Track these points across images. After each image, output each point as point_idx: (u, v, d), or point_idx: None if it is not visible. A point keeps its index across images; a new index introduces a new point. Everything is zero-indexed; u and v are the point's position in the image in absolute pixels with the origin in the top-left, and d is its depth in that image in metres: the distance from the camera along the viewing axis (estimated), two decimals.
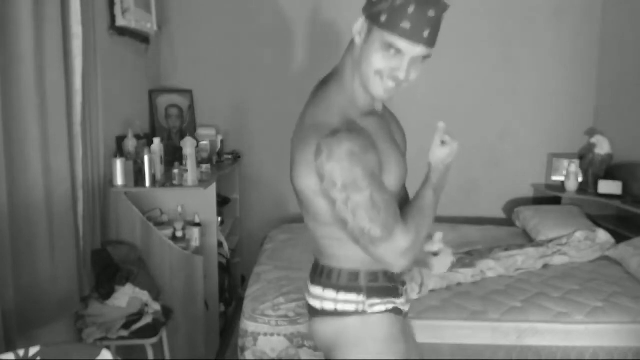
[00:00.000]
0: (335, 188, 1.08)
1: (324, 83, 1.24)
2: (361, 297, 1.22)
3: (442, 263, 1.32)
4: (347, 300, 1.22)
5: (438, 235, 1.32)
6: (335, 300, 1.23)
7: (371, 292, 1.22)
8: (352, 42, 1.18)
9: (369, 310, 1.22)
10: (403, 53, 1.08)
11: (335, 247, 1.23)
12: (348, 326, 1.22)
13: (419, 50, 1.08)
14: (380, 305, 1.23)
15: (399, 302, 1.27)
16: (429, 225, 1.19)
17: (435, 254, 1.33)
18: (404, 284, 1.32)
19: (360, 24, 1.13)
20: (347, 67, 1.20)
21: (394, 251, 1.10)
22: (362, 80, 1.16)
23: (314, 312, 1.28)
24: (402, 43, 1.07)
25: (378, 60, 1.10)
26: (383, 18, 1.06)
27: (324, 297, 1.24)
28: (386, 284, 1.24)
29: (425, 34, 1.06)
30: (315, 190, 1.14)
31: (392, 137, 1.25)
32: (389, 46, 1.08)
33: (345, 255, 1.22)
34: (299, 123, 1.21)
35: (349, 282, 1.22)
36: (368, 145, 1.10)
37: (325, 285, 1.24)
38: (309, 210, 1.22)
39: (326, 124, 1.12)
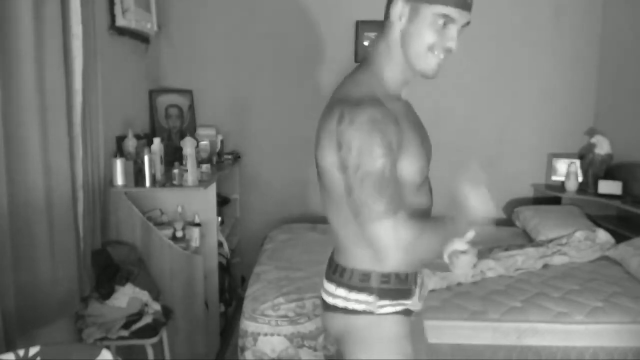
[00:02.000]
0: (351, 154, 1.08)
1: (351, 73, 1.26)
2: (372, 298, 1.22)
3: (465, 263, 1.27)
4: (357, 300, 1.23)
5: (470, 234, 1.27)
6: (346, 299, 1.24)
7: (382, 294, 1.23)
8: (383, 29, 1.21)
9: (378, 311, 1.23)
10: (454, 22, 1.14)
11: (350, 245, 1.24)
12: (356, 325, 1.24)
13: (465, 16, 1.15)
14: (389, 307, 1.23)
15: (410, 303, 1.28)
16: (428, 246, 1.15)
17: (461, 253, 1.28)
18: (416, 283, 1.31)
19: (399, 7, 1.16)
20: (379, 54, 1.23)
21: (389, 234, 1.08)
22: (411, 60, 1.19)
23: (326, 306, 1.30)
24: (454, 12, 1.12)
25: (430, 35, 1.14)
26: None
27: (336, 295, 1.26)
28: (398, 286, 1.24)
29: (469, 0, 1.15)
30: (334, 161, 1.15)
31: (418, 126, 1.26)
32: (441, 18, 1.13)
33: (360, 255, 1.23)
34: (327, 103, 1.23)
35: (360, 283, 1.23)
36: (391, 118, 1.11)
37: (338, 284, 1.25)
38: (327, 188, 1.22)
39: (352, 96, 1.15)
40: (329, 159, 1.16)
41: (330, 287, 1.28)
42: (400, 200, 1.10)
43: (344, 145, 1.09)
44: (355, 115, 1.08)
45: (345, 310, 1.24)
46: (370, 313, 1.23)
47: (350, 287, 1.23)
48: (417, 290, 1.32)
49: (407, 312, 1.27)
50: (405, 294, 1.26)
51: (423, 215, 1.27)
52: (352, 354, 1.26)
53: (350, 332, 1.25)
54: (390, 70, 1.22)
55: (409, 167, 1.16)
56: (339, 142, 1.11)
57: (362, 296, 1.22)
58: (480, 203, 1.17)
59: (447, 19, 1.13)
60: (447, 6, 1.12)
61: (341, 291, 1.25)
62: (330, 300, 1.28)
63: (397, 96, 1.24)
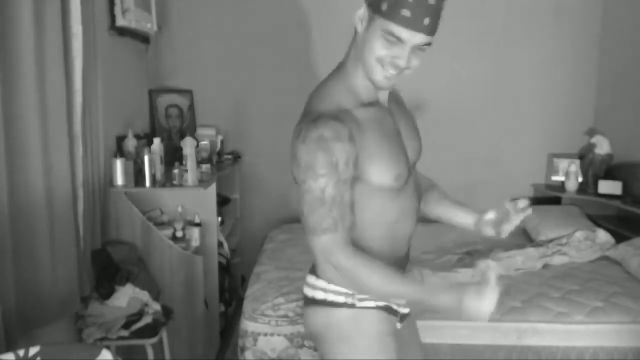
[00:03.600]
0: (300, 169, 1.12)
1: (324, 80, 1.26)
2: (351, 290, 1.22)
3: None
4: (337, 292, 1.23)
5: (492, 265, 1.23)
6: (325, 290, 1.24)
7: None
8: (355, 32, 1.19)
9: (358, 304, 1.22)
10: (404, 41, 1.08)
11: None
12: (338, 319, 1.23)
13: (419, 38, 1.08)
14: (369, 300, 1.23)
15: (394, 302, 1.27)
16: (390, 288, 1.13)
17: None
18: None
19: (362, 12, 1.14)
20: (350, 58, 1.22)
21: (320, 249, 1.12)
22: (364, 68, 1.16)
23: (306, 301, 1.30)
24: (402, 31, 1.07)
25: (379, 47, 1.11)
26: (384, 6, 1.07)
27: (315, 286, 1.26)
28: None
29: (426, 21, 1.06)
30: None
31: (394, 131, 1.24)
32: (389, 34, 1.08)
33: None
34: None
35: None
36: (344, 135, 1.10)
37: (318, 275, 1.23)
38: None
39: (315, 110, 1.15)
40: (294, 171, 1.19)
41: (311, 279, 1.28)
42: (336, 219, 1.10)
43: (295, 160, 1.12)
44: (308, 132, 1.10)
45: (325, 303, 1.24)
46: (352, 306, 1.22)
47: (330, 279, 1.22)
48: None
49: (390, 310, 1.27)
50: None
51: (405, 220, 1.25)
52: (332, 352, 1.24)
53: (331, 328, 1.24)
54: (360, 76, 1.19)
55: (381, 174, 1.15)
56: (293, 156, 1.14)
57: (341, 288, 1.22)
58: (484, 305, 1.12)
59: (397, 38, 1.08)
60: (394, 23, 1.06)
61: (321, 282, 1.24)
62: (309, 292, 1.28)
63: (371, 102, 1.21)
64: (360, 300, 1.22)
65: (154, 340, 2.17)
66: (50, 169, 1.88)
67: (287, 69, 3.68)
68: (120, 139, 2.68)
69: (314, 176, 1.09)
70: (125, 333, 2.12)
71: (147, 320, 2.19)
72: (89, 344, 2.04)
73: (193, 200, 2.67)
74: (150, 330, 2.18)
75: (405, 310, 1.33)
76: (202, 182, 2.68)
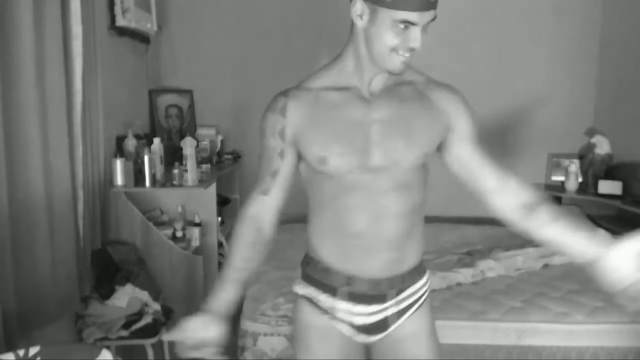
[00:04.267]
0: None
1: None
2: (300, 274, 1.34)
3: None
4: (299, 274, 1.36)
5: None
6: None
7: (303, 274, 1.34)
8: (353, 27, 1.18)
9: (294, 288, 1.33)
10: (416, 24, 1.07)
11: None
12: None
13: (429, 15, 1.09)
14: (301, 287, 1.32)
15: (324, 300, 1.26)
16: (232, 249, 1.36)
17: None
18: (347, 285, 1.25)
19: (359, 6, 1.11)
20: (347, 48, 1.22)
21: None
22: (375, 60, 1.14)
23: None
24: (414, 16, 1.06)
25: (391, 38, 1.09)
26: None
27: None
28: (314, 274, 1.29)
29: None
30: None
31: (359, 120, 1.18)
32: (401, 22, 1.07)
33: (307, 237, 1.37)
34: None
35: (303, 258, 1.37)
36: (279, 108, 1.20)
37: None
38: None
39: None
40: None
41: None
42: (261, 182, 1.26)
43: None
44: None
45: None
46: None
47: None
48: (368, 304, 1.26)
49: (317, 306, 1.28)
50: (322, 287, 1.27)
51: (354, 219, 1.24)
52: None
53: None
54: (353, 64, 1.19)
55: (309, 153, 1.19)
56: None
57: (298, 272, 1.35)
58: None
59: (408, 23, 1.07)
60: (406, 11, 1.05)
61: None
62: None
63: (351, 87, 1.20)
64: (296, 284, 1.33)
65: (154, 340, 2.17)
66: (50, 169, 1.88)
67: (287, 69, 3.67)
68: (120, 139, 2.68)
69: (262, 137, 1.23)
70: (125, 333, 2.12)
71: (147, 320, 2.19)
72: (89, 344, 2.04)
73: (193, 200, 2.67)
74: (150, 330, 2.18)
75: (364, 321, 1.27)
76: (202, 182, 2.68)
